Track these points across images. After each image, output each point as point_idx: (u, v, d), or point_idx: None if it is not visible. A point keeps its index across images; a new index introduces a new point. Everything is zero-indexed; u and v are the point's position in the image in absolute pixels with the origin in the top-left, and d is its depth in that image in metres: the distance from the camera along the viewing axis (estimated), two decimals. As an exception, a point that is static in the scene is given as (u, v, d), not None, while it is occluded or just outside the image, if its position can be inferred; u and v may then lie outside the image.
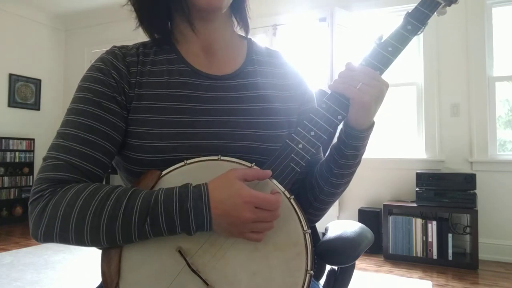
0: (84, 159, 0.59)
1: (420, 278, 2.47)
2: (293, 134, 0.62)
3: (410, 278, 2.45)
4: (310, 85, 0.78)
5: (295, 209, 0.59)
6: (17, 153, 4.22)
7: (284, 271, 0.56)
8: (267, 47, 0.79)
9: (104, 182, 0.62)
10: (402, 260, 2.82)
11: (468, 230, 2.86)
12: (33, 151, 4.37)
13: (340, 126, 0.65)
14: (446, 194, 2.74)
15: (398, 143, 3.36)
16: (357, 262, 0.80)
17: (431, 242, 2.75)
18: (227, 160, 0.60)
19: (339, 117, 0.61)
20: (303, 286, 0.55)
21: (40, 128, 4.60)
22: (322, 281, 0.85)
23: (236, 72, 0.70)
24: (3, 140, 4.10)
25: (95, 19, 4.67)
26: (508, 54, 3.06)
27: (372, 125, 0.64)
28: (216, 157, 0.60)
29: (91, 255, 2.88)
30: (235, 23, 0.76)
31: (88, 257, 2.84)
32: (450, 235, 2.70)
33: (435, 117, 3.13)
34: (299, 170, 0.60)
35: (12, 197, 4.17)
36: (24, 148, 4.29)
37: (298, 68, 0.78)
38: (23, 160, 4.28)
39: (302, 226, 0.58)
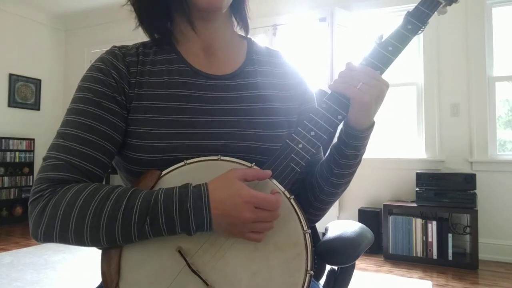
0: (84, 159, 0.59)
1: (420, 278, 2.47)
2: (293, 134, 0.62)
3: (410, 278, 2.45)
4: (310, 85, 0.78)
5: (295, 209, 0.59)
6: (17, 153, 4.22)
7: (284, 271, 0.56)
8: (267, 46, 0.79)
9: (104, 182, 0.62)
10: (402, 260, 2.82)
11: (468, 230, 2.86)
12: (33, 151, 4.37)
13: (340, 126, 0.65)
14: (446, 194, 2.74)
15: (398, 143, 3.36)
16: (357, 262, 0.80)
17: (431, 242, 2.75)
18: (227, 160, 0.60)
19: (339, 117, 0.61)
20: (303, 286, 0.55)
21: (40, 128, 4.60)
22: (322, 281, 0.85)
23: (236, 71, 0.70)
24: (3, 140, 4.10)
25: (95, 19, 4.67)
26: (508, 54, 3.06)
27: (372, 125, 0.64)
28: (216, 157, 0.60)
29: (91, 255, 2.88)
30: (235, 23, 0.76)
31: (88, 257, 2.84)
32: (450, 235, 2.70)
33: (435, 117, 3.13)
34: (299, 170, 0.60)
35: (12, 197, 4.17)
36: (24, 148, 4.29)
37: (298, 68, 0.78)
38: (23, 160, 4.28)
39: (302, 226, 0.58)
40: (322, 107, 0.62)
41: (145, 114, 0.63)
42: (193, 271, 0.55)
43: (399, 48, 0.63)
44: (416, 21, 0.64)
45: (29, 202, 0.57)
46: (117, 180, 4.02)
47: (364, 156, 0.69)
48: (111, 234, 0.53)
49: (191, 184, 0.55)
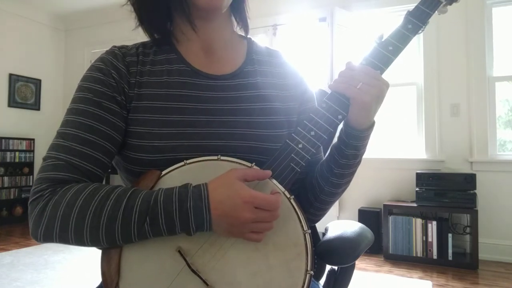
0: (84, 159, 0.59)
1: (420, 278, 2.46)
2: (293, 134, 0.62)
3: (410, 278, 2.45)
4: (310, 85, 0.78)
5: (295, 209, 0.59)
6: (17, 153, 4.22)
7: (284, 271, 0.56)
8: (267, 46, 0.78)
9: (104, 182, 0.62)
10: (402, 260, 2.81)
11: (468, 230, 2.86)
12: (33, 151, 4.37)
13: (340, 126, 0.65)
14: (446, 194, 2.74)
15: (398, 143, 3.36)
16: (357, 262, 0.80)
17: (431, 242, 2.75)
18: (227, 160, 0.60)
19: (340, 116, 0.61)
20: (303, 286, 0.55)
21: (40, 128, 4.60)
22: (322, 281, 0.85)
23: (236, 71, 0.70)
24: (3, 140, 4.10)
25: (95, 19, 4.67)
26: (508, 54, 3.06)
27: (372, 124, 0.64)
28: (216, 157, 0.60)
29: (91, 255, 2.88)
30: (235, 23, 0.76)
31: (88, 257, 2.83)
32: (450, 235, 2.70)
33: (435, 117, 3.13)
34: (299, 170, 0.60)
35: (12, 197, 4.17)
36: (24, 148, 4.29)
37: (298, 68, 0.78)
38: (23, 160, 4.28)
39: (302, 226, 0.58)
40: (322, 107, 0.62)
41: (145, 114, 0.63)
42: (193, 271, 0.55)
43: (400, 47, 0.63)
44: (417, 20, 0.63)
45: (29, 202, 0.57)
46: (117, 180, 4.02)
47: (364, 156, 0.69)
48: (111, 234, 0.53)
49: (191, 184, 0.55)
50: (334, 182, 0.68)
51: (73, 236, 0.54)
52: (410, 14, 0.64)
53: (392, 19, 3.41)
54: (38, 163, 4.39)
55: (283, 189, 0.59)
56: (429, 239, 2.76)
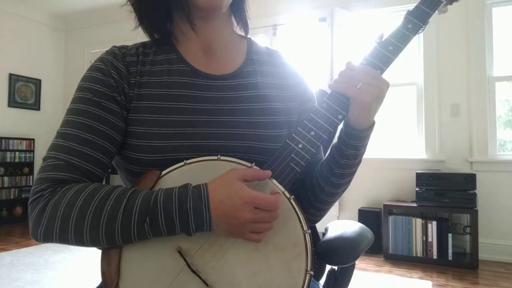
0: (84, 159, 0.59)
1: (420, 278, 2.46)
2: (293, 134, 0.62)
3: (410, 278, 2.45)
4: (310, 85, 0.78)
5: (295, 209, 0.59)
6: (17, 153, 4.22)
7: (284, 272, 0.56)
8: (267, 46, 0.78)
9: (104, 182, 0.62)
10: (402, 260, 2.81)
11: (468, 230, 2.86)
12: (33, 151, 4.37)
13: (341, 126, 0.65)
14: (446, 194, 2.74)
15: (398, 143, 3.36)
16: (357, 262, 0.80)
17: (431, 242, 2.75)
18: (227, 160, 0.60)
19: (340, 116, 0.61)
20: (303, 286, 0.55)
21: (40, 128, 4.60)
22: (322, 281, 0.85)
23: (235, 71, 0.70)
24: (3, 140, 4.10)
25: (95, 19, 4.67)
26: (508, 54, 3.06)
27: (372, 124, 0.64)
28: (215, 157, 0.60)
29: (91, 255, 2.88)
30: (235, 23, 0.76)
31: (88, 257, 2.83)
32: (450, 235, 2.70)
33: (435, 117, 3.13)
34: (299, 170, 0.60)
35: (12, 197, 4.17)
36: (24, 148, 4.29)
37: (298, 68, 0.77)
38: (23, 160, 4.28)
39: (302, 226, 0.58)
40: (322, 107, 0.62)
41: (145, 114, 0.63)
42: (193, 271, 0.55)
43: (400, 47, 0.63)
44: (417, 20, 0.63)
45: (29, 202, 0.57)
46: (117, 180, 4.02)
47: (364, 156, 0.69)
48: (111, 234, 0.53)
49: (190, 184, 0.55)
50: (334, 182, 0.68)
51: (73, 236, 0.54)
52: (410, 13, 0.64)
53: (392, 19, 3.41)
54: (38, 163, 4.39)
55: (283, 189, 0.59)
56: (429, 239, 2.76)
